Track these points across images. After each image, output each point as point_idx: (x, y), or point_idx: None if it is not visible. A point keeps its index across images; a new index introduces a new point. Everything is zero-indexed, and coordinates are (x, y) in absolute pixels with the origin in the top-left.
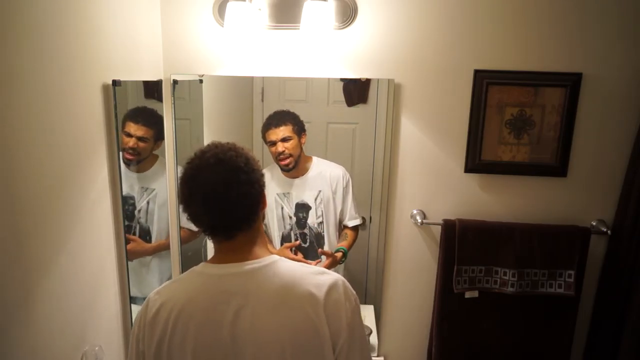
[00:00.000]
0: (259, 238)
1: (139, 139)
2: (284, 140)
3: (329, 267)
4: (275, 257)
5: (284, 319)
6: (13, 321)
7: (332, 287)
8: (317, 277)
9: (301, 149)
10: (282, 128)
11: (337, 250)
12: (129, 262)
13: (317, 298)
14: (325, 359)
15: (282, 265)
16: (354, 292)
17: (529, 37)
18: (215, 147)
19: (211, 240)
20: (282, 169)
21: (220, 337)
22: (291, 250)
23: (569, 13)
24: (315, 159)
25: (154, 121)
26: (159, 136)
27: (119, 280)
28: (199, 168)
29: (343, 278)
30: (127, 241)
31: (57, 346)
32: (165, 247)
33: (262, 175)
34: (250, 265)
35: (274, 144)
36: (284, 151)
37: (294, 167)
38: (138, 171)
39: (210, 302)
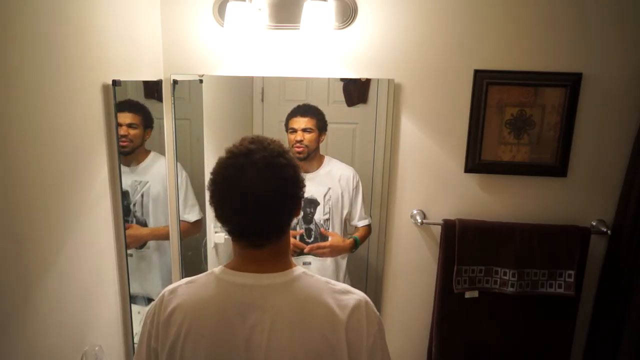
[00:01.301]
0: (287, 247)
1: (129, 125)
2: (304, 130)
3: (332, 248)
4: (300, 270)
5: (300, 339)
6: (12, 321)
7: (355, 309)
8: (341, 296)
9: (318, 145)
10: (306, 119)
11: (350, 238)
12: (129, 259)
13: (339, 320)
14: None
15: (305, 282)
16: (378, 314)
17: (529, 37)
18: (263, 148)
19: (235, 244)
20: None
21: (235, 350)
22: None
23: (569, 13)
24: (327, 158)
25: (138, 108)
26: (147, 123)
27: (118, 280)
28: (244, 168)
29: (367, 298)
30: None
31: (57, 346)
32: (163, 235)
33: (305, 185)
34: (273, 278)
35: (294, 131)
36: (301, 140)
37: (305, 158)
38: (130, 164)
39: (227, 313)
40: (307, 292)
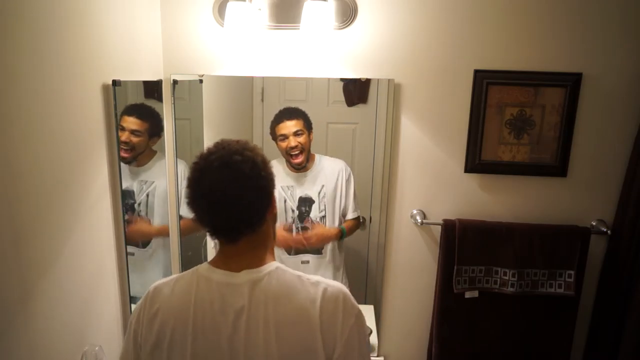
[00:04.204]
0: (265, 242)
1: (132, 132)
2: (296, 134)
3: (317, 236)
4: (274, 265)
5: (275, 335)
6: (13, 321)
7: (329, 301)
8: (314, 289)
9: (310, 146)
10: (294, 122)
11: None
12: (129, 258)
13: (311, 313)
14: None
15: (279, 276)
16: (356, 306)
17: (529, 37)
18: (222, 148)
19: (214, 241)
20: (292, 167)
21: (218, 348)
22: (291, 230)
23: (569, 13)
24: (317, 155)
25: (148, 115)
26: (153, 131)
27: (119, 280)
28: (203, 171)
29: (345, 290)
30: (129, 222)
31: (57, 346)
32: (167, 232)
33: (272, 179)
34: (249, 275)
35: (285, 137)
36: (297, 145)
37: (307, 162)
38: (136, 165)
39: (210, 312)
40: (280, 288)
